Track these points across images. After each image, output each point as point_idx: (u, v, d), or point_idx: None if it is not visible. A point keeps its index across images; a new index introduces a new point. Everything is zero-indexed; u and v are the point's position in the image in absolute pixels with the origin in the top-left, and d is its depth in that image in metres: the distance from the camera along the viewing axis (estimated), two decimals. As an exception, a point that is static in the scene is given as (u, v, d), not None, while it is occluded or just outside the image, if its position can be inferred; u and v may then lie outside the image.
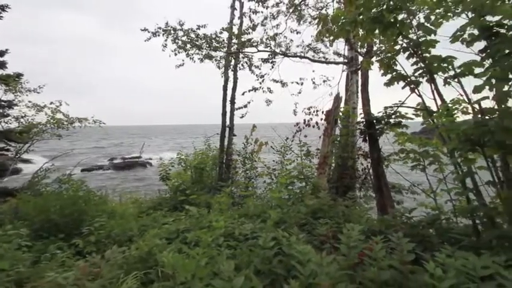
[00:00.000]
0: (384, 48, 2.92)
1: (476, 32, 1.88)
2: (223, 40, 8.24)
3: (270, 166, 6.51)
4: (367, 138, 4.32)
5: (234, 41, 8.39)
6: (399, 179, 4.78)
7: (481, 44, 1.91)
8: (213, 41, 8.03)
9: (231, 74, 8.76)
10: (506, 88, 1.75)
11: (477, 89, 1.81)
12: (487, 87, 1.77)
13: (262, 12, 8.40)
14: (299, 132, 6.03)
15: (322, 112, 5.95)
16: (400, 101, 3.40)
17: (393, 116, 3.63)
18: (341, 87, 6.58)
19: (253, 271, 1.95)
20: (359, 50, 5.95)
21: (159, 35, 7.84)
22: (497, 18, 1.80)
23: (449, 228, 2.51)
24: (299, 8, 8.64)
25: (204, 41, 7.95)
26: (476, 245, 2.05)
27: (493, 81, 1.76)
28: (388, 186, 4.16)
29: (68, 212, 4.16)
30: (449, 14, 2.24)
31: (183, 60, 8.32)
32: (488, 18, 1.87)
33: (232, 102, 8.65)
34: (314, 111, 6.13)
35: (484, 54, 1.85)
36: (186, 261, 1.78)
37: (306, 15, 8.78)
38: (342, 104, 6.10)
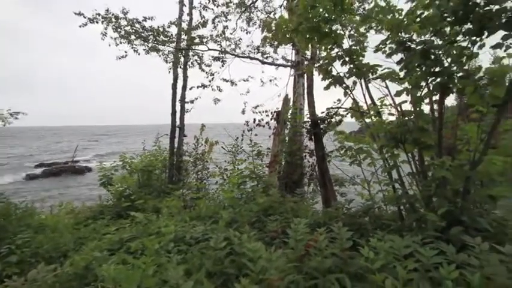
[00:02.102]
0: (323, 55, 3.19)
1: (394, 46, 2.21)
2: (172, 35, 7.91)
3: (222, 166, 6.48)
4: (312, 137, 4.63)
5: (184, 37, 8.12)
6: (348, 171, 5.22)
7: (399, 56, 2.24)
8: (160, 34, 7.64)
9: (180, 72, 8.45)
10: (419, 94, 2.10)
11: (398, 94, 2.12)
12: (405, 92, 2.09)
13: (213, 9, 8.31)
14: (250, 131, 6.14)
15: (272, 113, 6.17)
16: (339, 100, 3.75)
17: (334, 116, 3.97)
18: (289, 89, 6.92)
19: (204, 274, 1.92)
20: (305, 55, 6.32)
21: (97, 22, 7.12)
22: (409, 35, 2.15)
23: (381, 215, 2.85)
24: (249, 11, 8.79)
25: (150, 33, 7.51)
26: (401, 228, 2.37)
27: (409, 87, 2.09)
28: (331, 181, 4.52)
29: (-21, 231, 3.49)
30: (371, 29, 2.57)
31: (125, 52, 7.74)
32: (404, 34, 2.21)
33: (183, 101, 8.35)
34: (264, 112, 6.31)
35: (401, 65, 2.18)
36: (130, 272, 1.67)
37: (255, 18, 8.99)
38: (291, 105, 6.42)
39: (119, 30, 7.22)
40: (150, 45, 7.76)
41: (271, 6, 8.95)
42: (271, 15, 8.72)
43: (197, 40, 7.83)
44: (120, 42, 7.47)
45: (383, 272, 1.61)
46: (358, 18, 2.68)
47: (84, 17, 6.96)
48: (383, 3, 2.45)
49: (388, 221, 2.54)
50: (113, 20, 7.09)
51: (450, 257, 1.65)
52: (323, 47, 2.68)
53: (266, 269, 1.76)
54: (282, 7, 8.46)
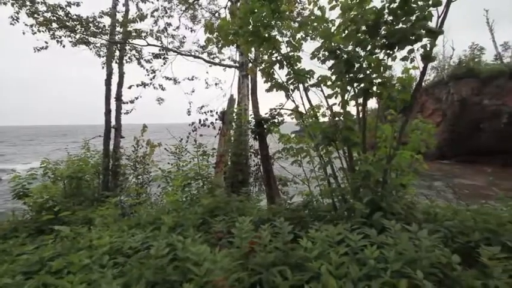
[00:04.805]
0: (265, 58, 3.32)
1: (326, 53, 2.45)
2: (105, 26, 7.14)
3: (165, 169, 6.15)
4: (257, 136, 4.77)
5: (119, 29, 7.42)
6: (292, 171, 5.48)
7: (331, 62, 2.50)
8: (90, 25, 6.82)
9: (116, 67, 7.69)
10: (346, 97, 2.37)
11: (329, 96, 2.36)
12: (335, 95, 2.34)
13: (152, 2, 7.81)
14: (195, 132, 5.98)
15: (217, 113, 6.13)
16: (281, 103, 3.95)
17: (277, 117, 4.17)
18: (234, 89, 6.98)
19: (144, 285, 1.80)
20: (248, 56, 6.45)
21: (5, 4, 5.98)
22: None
23: (318, 207, 3.10)
24: (192, 8, 8.54)
25: (78, 22, 6.63)
26: (334, 217, 2.62)
27: (339, 91, 2.35)
28: (275, 179, 4.73)
29: None
30: (307, 37, 2.80)
31: (46, 42, 6.69)
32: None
33: (119, 99, 7.61)
34: (209, 112, 6.23)
35: (332, 71, 2.43)
36: (52, 295, 1.45)
37: (199, 16, 8.78)
38: (236, 105, 6.47)
39: (35, 16, 6.19)
40: (77, 36, 6.88)
41: (216, 5, 8.87)
42: (216, 15, 8.65)
43: (134, 34, 7.26)
44: (39, 31, 6.43)
45: (319, 259, 1.76)
46: (296, 25, 2.87)
47: None
48: (319, 13, 2.69)
49: (324, 212, 2.78)
50: (27, 3, 6.04)
51: (373, 239, 1.90)
52: (264, 51, 2.79)
53: (211, 270, 1.74)
54: (226, 8, 8.47)
